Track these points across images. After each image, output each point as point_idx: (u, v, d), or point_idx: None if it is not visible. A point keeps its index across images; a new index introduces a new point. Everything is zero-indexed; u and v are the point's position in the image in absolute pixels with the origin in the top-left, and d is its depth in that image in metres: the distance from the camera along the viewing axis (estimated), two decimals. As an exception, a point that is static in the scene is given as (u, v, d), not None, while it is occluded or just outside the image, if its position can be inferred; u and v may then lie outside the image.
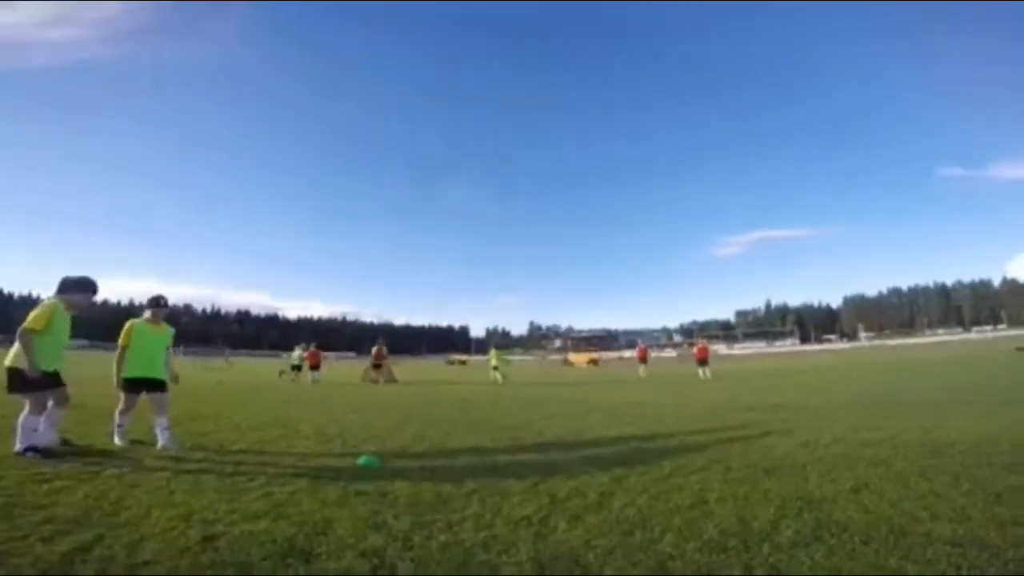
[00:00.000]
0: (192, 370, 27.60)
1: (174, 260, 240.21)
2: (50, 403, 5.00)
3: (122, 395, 5.58)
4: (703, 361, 20.13)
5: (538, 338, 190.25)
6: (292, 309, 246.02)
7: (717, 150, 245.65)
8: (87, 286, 5.25)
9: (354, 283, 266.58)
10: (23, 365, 4.73)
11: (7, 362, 4.82)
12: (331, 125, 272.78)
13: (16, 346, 4.80)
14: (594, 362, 47.16)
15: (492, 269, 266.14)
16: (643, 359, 24.99)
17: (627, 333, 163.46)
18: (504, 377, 21.14)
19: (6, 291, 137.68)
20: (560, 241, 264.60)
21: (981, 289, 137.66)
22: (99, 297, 5.92)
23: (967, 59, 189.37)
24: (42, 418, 4.87)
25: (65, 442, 5.20)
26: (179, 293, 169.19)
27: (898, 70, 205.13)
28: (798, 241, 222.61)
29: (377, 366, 21.47)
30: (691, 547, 2.68)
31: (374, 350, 22.05)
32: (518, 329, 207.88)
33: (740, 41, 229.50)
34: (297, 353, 22.16)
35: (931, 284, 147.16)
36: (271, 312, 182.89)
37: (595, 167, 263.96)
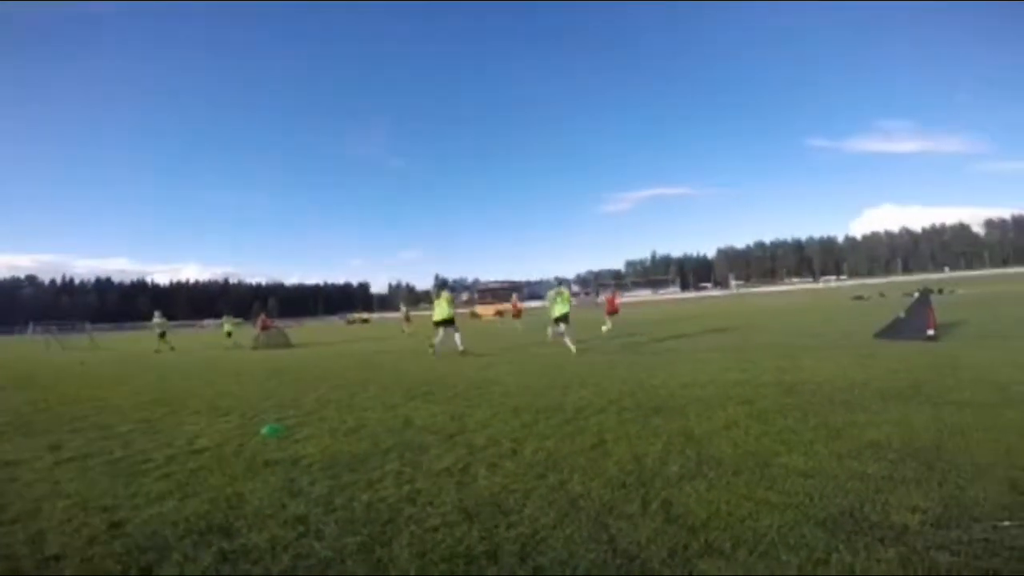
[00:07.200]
0: (48, 350, 24.09)
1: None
2: None
3: None
4: (612, 313, 18.98)
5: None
6: (162, 273, 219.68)
7: (614, 112, 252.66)
8: None
9: (235, 241, 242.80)
10: None
11: None
12: (210, 61, 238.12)
13: None
14: (500, 313, 48.09)
15: (393, 223, 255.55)
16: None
17: (530, 284, 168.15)
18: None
19: None
20: (463, 195, 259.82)
21: (828, 244, 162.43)
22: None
23: (847, 46, 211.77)
24: None
25: None
26: (14, 264, 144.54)
27: (780, 52, 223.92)
28: (678, 198, 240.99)
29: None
30: (596, 485, 3.00)
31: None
32: (423, 283, 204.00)
33: (633, 12, 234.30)
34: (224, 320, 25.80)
35: (789, 239, 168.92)
36: (137, 278, 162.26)
37: (498, 124, 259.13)
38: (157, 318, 21.69)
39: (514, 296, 29.26)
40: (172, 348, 20.56)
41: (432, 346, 11.77)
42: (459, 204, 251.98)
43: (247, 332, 27.24)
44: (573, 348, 10.89)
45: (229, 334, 23.46)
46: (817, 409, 4.55)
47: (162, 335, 20.99)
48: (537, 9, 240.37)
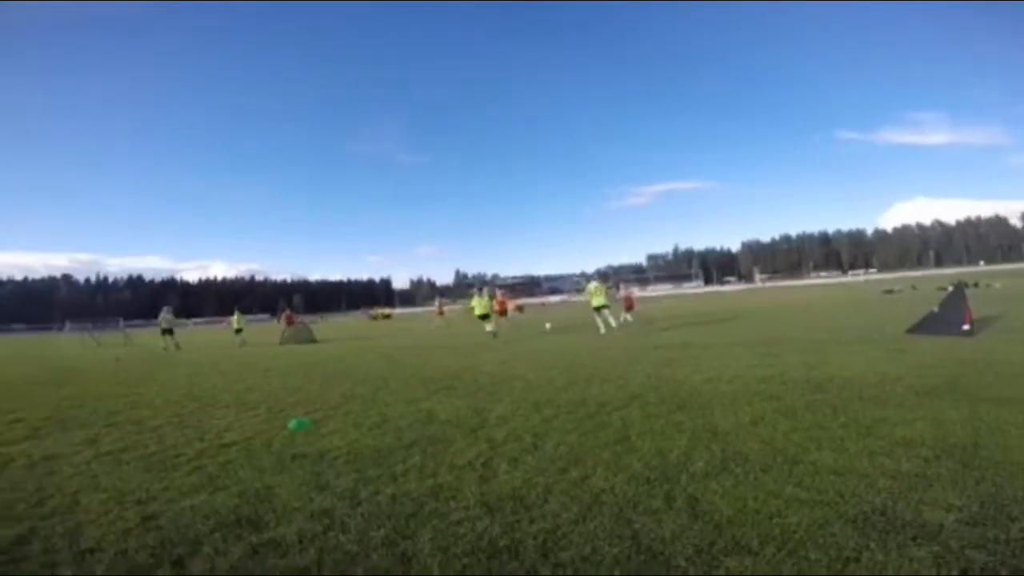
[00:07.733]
0: (84, 348, 24.90)
1: (41, 228, 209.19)
2: None
3: None
4: (629, 309, 20.55)
5: (465, 287, 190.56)
6: (191, 271, 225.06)
7: (637, 105, 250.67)
8: None
9: (261, 238, 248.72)
10: None
11: None
12: (232, 63, 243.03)
13: None
14: (519, 308, 48.19)
15: (414, 219, 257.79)
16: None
17: (549, 279, 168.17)
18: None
19: None
20: (483, 191, 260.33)
21: (856, 238, 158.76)
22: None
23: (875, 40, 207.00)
24: None
25: None
26: (51, 263, 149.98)
27: (809, 44, 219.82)
28: (700, 193, 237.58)
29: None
30: (619, 480, 2.98)
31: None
32: (444, 279, 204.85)
33: (659, 4, 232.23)
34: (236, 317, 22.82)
35: (815, 232, 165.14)
36: (168, 276, 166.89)
37: (516, 119, 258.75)
38: (165, 313, 20.19)
39: (499, 292, 29.19)
40: (165, 348, 18.68)
41: (493, 334, 15.40)
42: (478, 200, 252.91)
43: (253, 330, 27.49)
44: (614, 323, 14.85)
45: (239, 331, 22.13)
46: (847, 405, 4.44)
47: (167, 332, 19.54)
48: (559, 6, 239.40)
